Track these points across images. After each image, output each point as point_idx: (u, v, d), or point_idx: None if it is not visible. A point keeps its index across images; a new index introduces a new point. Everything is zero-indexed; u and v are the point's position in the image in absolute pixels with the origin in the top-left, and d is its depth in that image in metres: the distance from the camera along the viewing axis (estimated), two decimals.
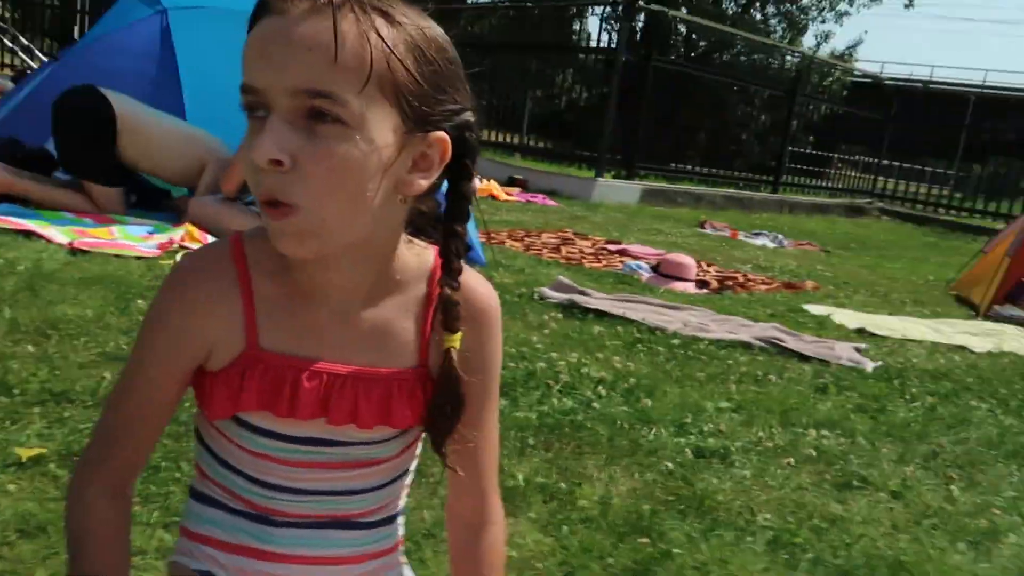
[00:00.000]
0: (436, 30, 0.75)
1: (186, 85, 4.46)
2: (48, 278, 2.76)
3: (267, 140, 0.67)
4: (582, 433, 2.15)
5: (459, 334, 0.81)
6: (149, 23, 4.41)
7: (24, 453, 1.54)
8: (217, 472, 0.85)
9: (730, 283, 4.89)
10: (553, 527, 1.65)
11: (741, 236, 7.69)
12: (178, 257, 0.87)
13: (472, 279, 0.85)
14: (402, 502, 0.94)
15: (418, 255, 0.84)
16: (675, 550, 1.62)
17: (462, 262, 0.83)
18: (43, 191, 3.90)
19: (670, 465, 2.04)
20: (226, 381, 0.79)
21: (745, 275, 5.33)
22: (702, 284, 4.66)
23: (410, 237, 0.84)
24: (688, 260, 4.71)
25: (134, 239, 3.61)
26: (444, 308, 0.81)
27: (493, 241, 4.88)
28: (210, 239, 3.71)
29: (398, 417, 0.82)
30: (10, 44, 9.04)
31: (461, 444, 0.86)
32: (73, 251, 3.23)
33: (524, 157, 10.67)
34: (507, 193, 8.10)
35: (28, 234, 3.37)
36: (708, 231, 7.79)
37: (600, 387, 2.54)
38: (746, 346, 3.35)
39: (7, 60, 12.70)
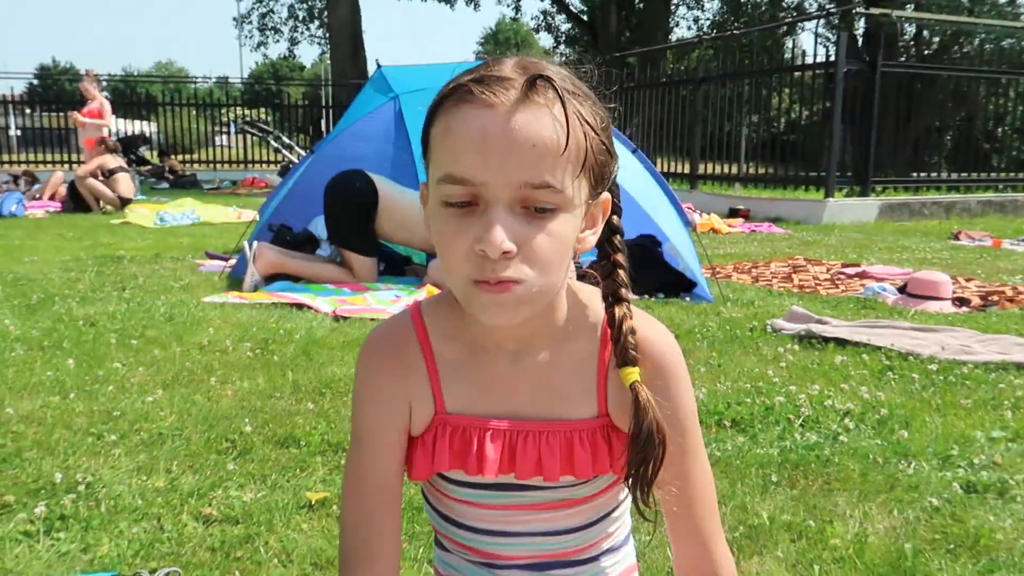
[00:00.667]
0: (597, 99, 0.79)
1: (417, 159, 4.95)
2: (319, 344, 3.18)
3: (500, 233, 0.71)
4: (830, 468, 2.04)
5: (637, 368, 0.81)
6: (384, 110, 4.97)
7: (313, 497, 1.79)
8: (440, 524, 0.95)
9: (996, 298, 4.36)
10: (803, 567, 1.58)
11: (1006, 244, 6.81)
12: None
13: (646, 325, 0.85)
14: (621, 535, 0.97)
15: (588, 300, 0.87)
16: None
17: (632, 307, 0.84)
18: (309, 268, 4.50)
19: (935, 501, 1.87)
20: (422, 445, 0.87)
21: (1015, 287, 4.72)
22: (961, 302, 4.21)
23: (577, 286, 0.87)
24: (941, 276, 4.28)
25: (385, 303, 4.03)
26: (618, 339, 0.81)
27: (718, 276, 4.78)
28: None
29: (581, 468, 0.85)
30: (274, 144, 10.59)
31: (669, 496, 0.86)
32: (336, 318, 3.69)
33: (744, 186, 10.34)
34: (729, 225, 7.89)
35: (299, 307, 3.91)
36: (964, 242, 7.00)
37: (847, 419, 2.39)
38: (1022, 367, 2.96)
39: (273, 157, 14.80)
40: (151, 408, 2.38)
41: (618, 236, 0.87)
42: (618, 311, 0.83)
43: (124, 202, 9.04)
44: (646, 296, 4.12)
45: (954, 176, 10.37)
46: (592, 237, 0.83)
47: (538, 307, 0.78)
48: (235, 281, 4.49)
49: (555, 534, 0.91)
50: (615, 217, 0.86)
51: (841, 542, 1.67)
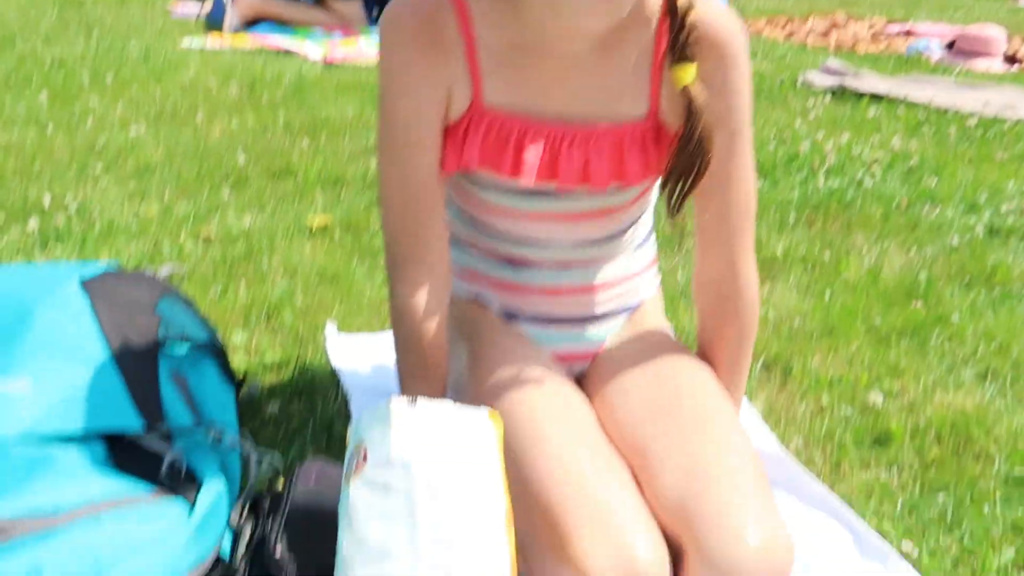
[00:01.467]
0: None
1: None
2: (309, 87, 3.11)
3: None
4: (851, 211, 2.08)
5: (693, 66, 0.77)
6: None
7: (314, 223, 1.85)
8: (463, 228, 0.93)
9: None
10: (814, 293, 1.66)
11: None
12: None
13: (711, 8, 0.79)
14: (644, 231, 0.98)
15: None
16: (953, 315, 1.57)
17: None
18: (295, 11, 4.30)
19: (955, 241, 1.93)
20: (453, 135, 0.82)
21: None
22: (1012, 60, 4.06)
23: None
24: (994, 32, 4.10)
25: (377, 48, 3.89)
26: (678, 32, 0.76)
27: (748, 31, 4.58)
28: None
29: (632, 173, 0.83)
30: None
31: (704, 200, 0.84)
32: (327, 64, 3.58)
33: None
34: None
35: (287, 52, 3.78)
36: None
37: (874, 167, 2.40)
38: None
39: None
40: (136, 142, 2.38)
41: None
42: (681, 1, 0.77)
43: None
44: None
45: None
46: None
47: (630, 5, 0.72)
48: (214, 25, 4.31)
49: (589, 243, 0.91)
50: None
51: (855, 274, 1.75)
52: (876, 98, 3.22)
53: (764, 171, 2.34)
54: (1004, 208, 2.15)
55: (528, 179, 0.81)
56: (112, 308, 1.02)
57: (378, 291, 1.57)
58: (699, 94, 0.78)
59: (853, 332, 1.50)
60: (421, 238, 0.84)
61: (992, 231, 2.01)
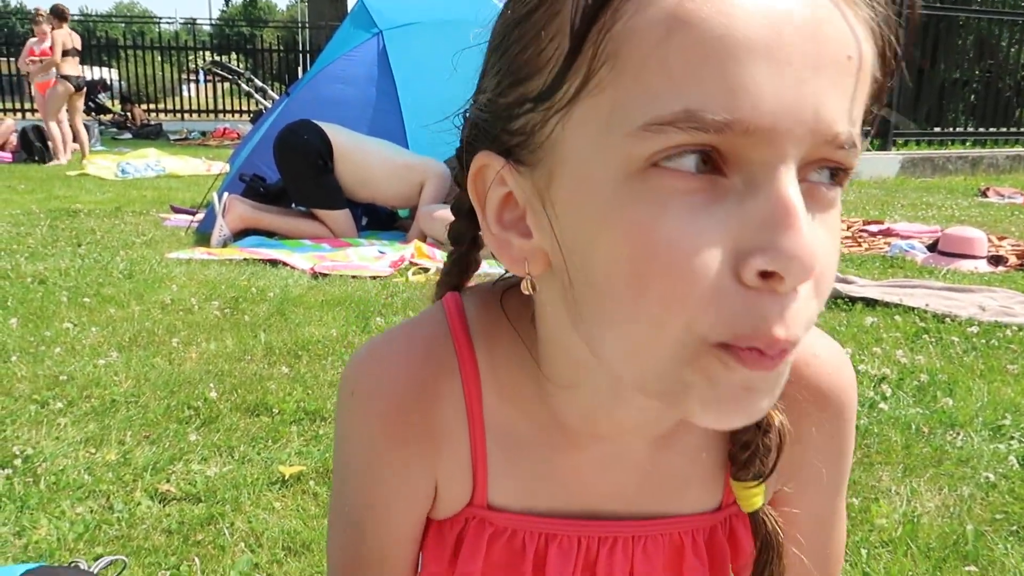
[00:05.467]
0: None
1: (405, 105, 4.75)
2: (295, 302, 3.02)
3: (806, 234, 0.37)
4: (869, 439, 1.92)
5: (761, 488, 0.56)
6: (366, 48, 4.75)
7: (287, 471, 1.66)
8: None
9: None
10: (849, 550, 1.46)
11: None
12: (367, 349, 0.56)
13: (812, 351, 0.57)
14: None
15: None
16: None
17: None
18: (284, 223, 4.33)
19: (991, 476, 1.75)
20: (439, 539, 0.59)
21: None
22: (996, 261, 4.08)
23: None
24: (976, 233, 4.15)
25: (368, 259, 3.88)
26: (740, 446, 0.55)
27: None
28: (438, 254, 3.89)
29: (692, 574, 0.61)
30: (246, 87, 10.26)
31: (807, 553, 0.61)
32: (315, 275, 3.53)
33: None
34: None
35: (274, 263, 3.74)
36: (993, 199, 6.87)
37: (884, 385, 2.27)
38: None
39: (246, 106, 14.49)
40: (104, 372, 2.23)
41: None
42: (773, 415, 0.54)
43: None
44: None
45: (980, 130, 10.22)
46: None
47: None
48: (203, 237, 4.32)
49: None
50: None
51: (888, 522, 1.56)
52: (869, 303, 3.16)
53: None
54: None
55: None
56: None
57: None
58: (770, 521, 0.57)
59: None
60: None
61: None
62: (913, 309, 3.08)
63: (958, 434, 1.98)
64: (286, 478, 1.65)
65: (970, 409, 2.11)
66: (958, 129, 10.36)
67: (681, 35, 0.36)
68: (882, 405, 2.12)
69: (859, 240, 4.80)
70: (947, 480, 1.74)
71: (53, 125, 8.74)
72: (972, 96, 11.68)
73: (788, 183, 0.37)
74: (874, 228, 5.16)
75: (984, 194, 7.11)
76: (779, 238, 0.36)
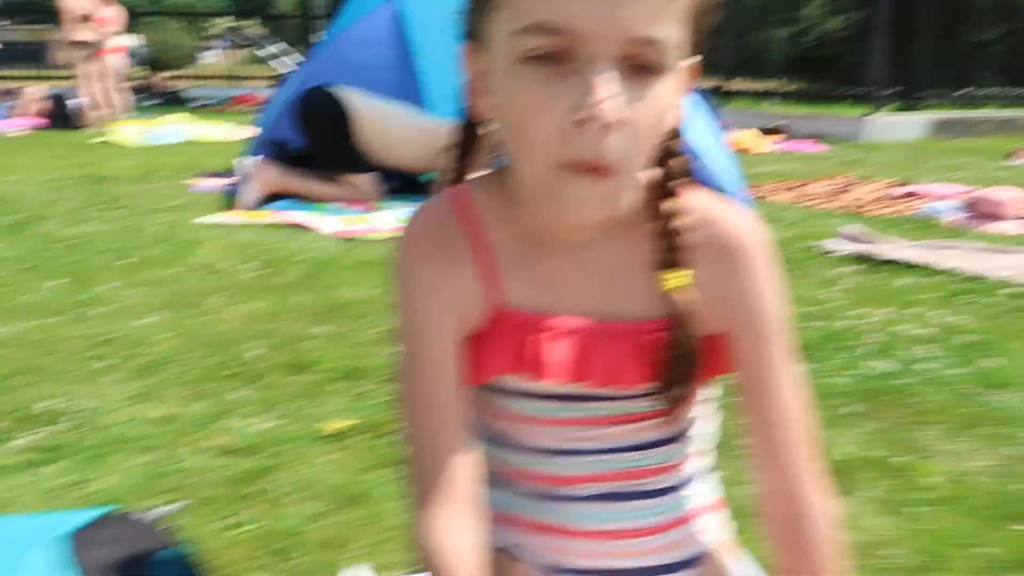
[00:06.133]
0: None
1: (421, 68, 4.69)
2: (328, 264, 3.03)
3: (611, 97, 0.60)
4: (910, 400, 1.90)
5: (683, 273, 0.72)
6: (381, 12, 4.69)
7: (329, 428, 1.67)
8: (489, 453, 0.81)
9: None
10: (890, 508, 1.45)
11: None
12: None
13: (724, 207, 0.75)
14: (708, 461, 0.84)
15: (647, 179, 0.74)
16: None
17: (712, 192, 0.75)
18: (311, 187, 4.32)
19: None
20: (475, 344, 0.75)
21: None
22: None
23: None
24: (1009, 193, 4.08)
25: (387, 223, 3.86)
26: (661, 236, 0.72)
27: (756, 196, 4.59)
28: None
29: (630, 376, 0.74)
30: (261, 53, 10.12)
31: (746, 418, 0.76)
32: (343, 239, 3.53)
33: (779, 101, 10.00)
34: (773, 141, 7.61)
35: (302, 227, 3.74)
36: (1019, 162, 6.74)
37: (922, 347, 2.24)
38: None
39: (261, 72, 14.42)
40: (147, 331, 2.25)
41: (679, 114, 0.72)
42: (665, 205, 0.72)
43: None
44: None
45: (1010, 91, 9.99)
46: (679, 111, 0.70)
47: (629, 199, 0.68)
48: (232, 201, 4.32)
49: (629, 450, 0.79)
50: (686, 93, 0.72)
51: (933, 481, 1.54)
52: (899, 266, 3.12)
53: (806, 352, 2.18)
54: None
55: (557, 379, 0.74)
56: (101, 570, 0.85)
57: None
58: (685, 299, 0.72)
59: (955, 566, 1.28)
60: (449, 465, 0.74)
61: None
62: (946, 271, 3.04)
63: (1001, 394, 1.95)
64: (331, 434, 1.65)
65: (1014, 369, 2.09)
66: (986, 90, 10.14)
67: None
68: (921, 366, 2.09)
69: (885, 203, 4.73)
70: (993, 440, 1.73)
71: (88, 91, 8.75)
72: (1000, 56, 11.41)
73: (597, 70, 0.60)
74: (899, 191, 5.08)
75: (1011, 156, 6.98)
76: (586, 100, 0.60)
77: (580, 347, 0.74)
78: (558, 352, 0.73)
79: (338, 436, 1.65)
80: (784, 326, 0.75)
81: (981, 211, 4.03)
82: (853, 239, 3.48)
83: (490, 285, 0.74)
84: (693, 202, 0.73)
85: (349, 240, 3.51)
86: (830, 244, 3.42)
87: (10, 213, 3.93)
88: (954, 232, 3.85)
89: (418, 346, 0.75)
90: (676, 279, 0.72)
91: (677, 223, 0.71)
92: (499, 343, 0.75)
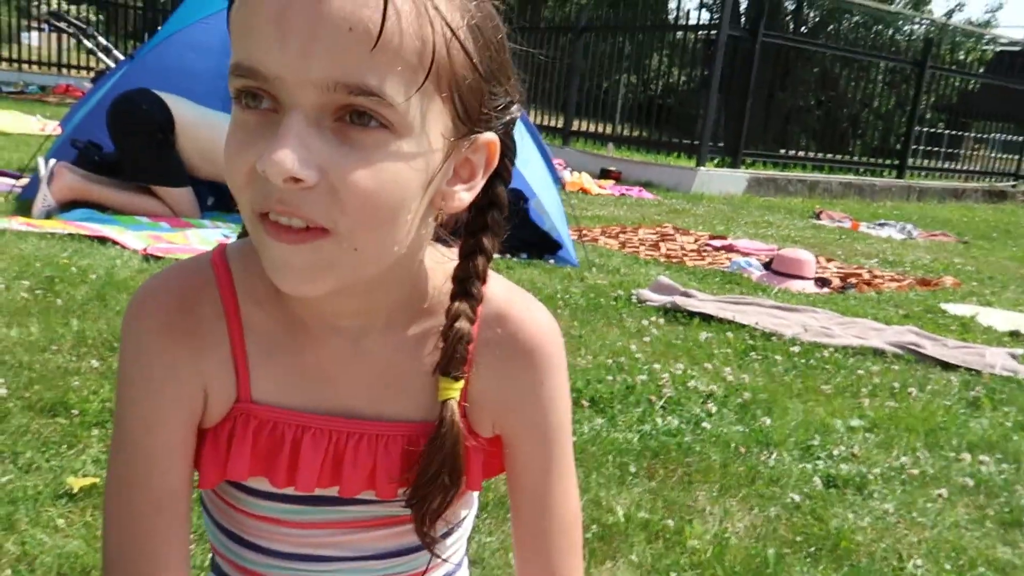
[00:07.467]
0: (487, 1, 0.60)
1: None
2: (119, 287, 2.79)
3: (288, 150, 0.52)
4: (691, 458, 1.97)
5: (459, 383, 0.67)
6: (222, 16, 4.43)
7: (76, 483, 1.50)
8: (222, 545, 0.74)
9: (854, 280, 4.56)
10: (660, 573, 1.48)
11: (863, 227, 7.24)
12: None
13: (521, 305, 0.70)
14: (456, 557, 0.80)
15: (446, 272, 0.69)
16: None
17: (508, 285, 0.71)
18: (119, 197, 3.99)
19: (796, 497, 1.84)
20: (214, 443, 0.67)
21: (871, 271, 4.97)
22: (822, 282, 4.36)
23: (433, 243, 0.70)
24: (806, 255, 4.42)
25: (209, 243, 3.64)
26: (448, 342, 0.65)
27: (585, 239, 4.72)
28: None
29: (385, 486, 0.69)
30: (90, 45, 9.40)
31: (522, 524, 0.73)
32: (147, 257, 3.28)
33: (618, 147, 10.44)
34: (600, 186, 7.92)
35: (103, 240, 3.45)
36: (825, 222, 7.38)
37: (710, 403, 2.35)
38: (878, 353, 3.07)
39: (90, 63, 13.42)
40: None
41: (497, 208, 0.67)
42: (456, 306, 0.66)
43: None
44: (507, 256, 3.98)
45: (819, 156, 10.96)
46: (466, 194, 0.63)
47: (358, 277, 0.59)
48: (24, 205, 3.92)
49: (377, 557, 0.73)
50: (501, 186, 0.67)
51: (700, 543, 1.59)
52: (706, 318, 3.28)
53: (601, 406, 2.23)
54: (835, 452, 2.11)
55: (306, 486, 0.67)
56: None
57: None
58: (454, 413, 0.66)
59: None
60: (151, 568, 0.65)
61: (828, 482, 1.95)
62: (744, 326, 3.23)
63: (772, 453, 2.07)
64: (75, 491, 1.49)
65: (785, 429, 2.22)
66: (800, 153, 11.08)
67: (241, 10, 0.54)
68: (705, 424, 2.19)
69: (703, 254, 5.01)
70: (758, 500, 1.81)
71: None
72: (814, 124, 12.54)
73: (289, 120, 0.53)
74: (718, 243, 5.40)
75: (818, 217, 7.62)
76: (267, 151, 0.53)
77: (334, 453, 0.67)
78: (309, 461, 0.66)
79: (82, 494, 1.49)
80: (569, 431, 0.72)
81: (782, 270, 4.33)
82: (665, 290, 3.63)
83: (240, 374, 0.66)
84: (490, 295, 0.68)
85: (151, 259, 3.26)
86: (645, 293, 3.56)
87: None
88: (759, 288, 4.12)
89: (139, 441, 0.65)
90: (450, 388, 0.66)
91: (464, 326, 0.65)
92: (246, 446, 0.66)
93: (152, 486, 0.65)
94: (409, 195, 0.57)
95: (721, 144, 9.80)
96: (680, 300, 3.44)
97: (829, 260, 5.22)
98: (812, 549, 1.63)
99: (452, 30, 0.55)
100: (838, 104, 12.22)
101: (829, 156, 10.93)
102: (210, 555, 0.80)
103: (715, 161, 9.43)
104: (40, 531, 1.36)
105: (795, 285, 4.21)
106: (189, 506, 0.67)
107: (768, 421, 2.25)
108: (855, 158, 11.61)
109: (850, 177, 10.36)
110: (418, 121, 0.55)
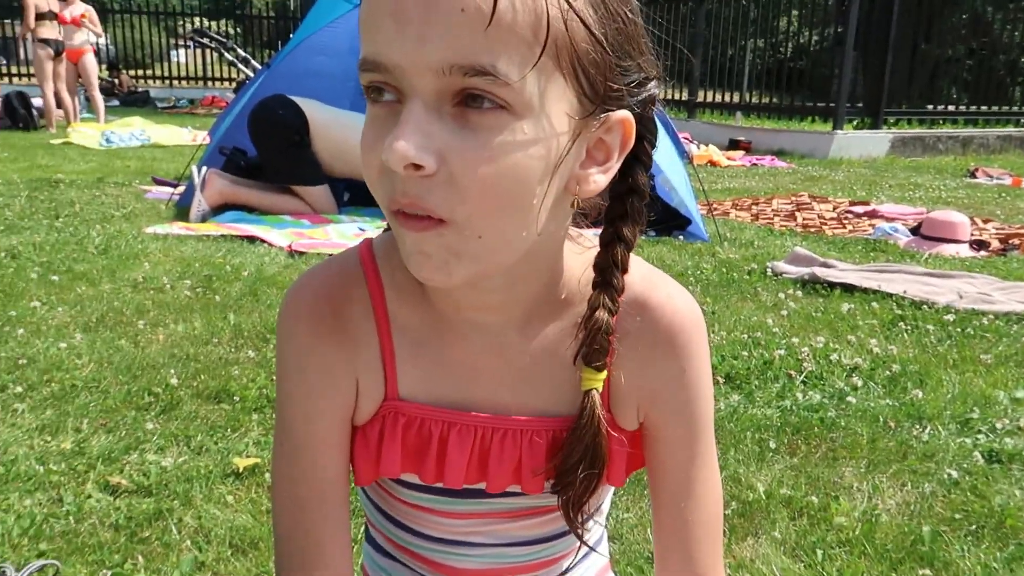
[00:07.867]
0: None
1: None
2: (268, 282, 2.98)
3: (406, 137, 0.52)
4: (835, 433, 1.90)
5: (602, 374, 0.65)
6: (348, 20, 4.64)
7: (241, 463, 1.63)
8: (379, 523, 0.78)
9: (1016, 242, 4.21)
10: (804, 551, 1.45)
11: None
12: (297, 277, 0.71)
13: (662, 290, 0.68)
14: (592, 539, 0.81)
15: (585, 261, 0.66)
16: None
17: (647, 269, 0.68)
18: (263, 198, 4.27)
19: (953, 473, 1.74)
20: (364, 441, 0.69)
21: None
22: (979, 245, 4.06)
23: (575, 234, 0.67)
24: (959, 217, 4.12)
25: (347, 237, 3.83)
26: (589, 336, 0.63)
27: (715, 213, 4.60)
28: None
29: (532, 480, 0.69)
30: (231, 58, 10.04)
31: (663, 509, 0.71)
32: (292, 253, 3.48)
33: (747, 116, 10.07)
34: (728, 158, 7.68)
35: (251, 240, 3.69)
36: (981, 180, 6.84)
37: (855, 376, 2.25)
38: None
39: (232, 74, 14.27)
40: (66, 355, 2.19)
41: (637, 195, 0.64)
42: (597, 296, 0.64)
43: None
44: None
45: (972, 109, 10.14)
46: (601, 176, 0.60)
47: (486, 265, 0.57)
48: (182, 211, 4.26)
49: (522, 544, 0.76)
50: (641, 171, 0.64)
51: (847, 521, 1.54)
52: (848, 289, 3.14)
53: (738, 382, 2.18)
54: (999, 426, 1.98)
55: (454, 482, 0.68)
56: None
57: None
58: (596, 405, 0.65)
59: None
60: (315, 549, 0.69)
61: (991, 457, 1.83)
62: (891, 295, 3.06)
63: (925, 427, 1.96)
64: (241, 470, 1.62)
65: (940, 401, 2.10)
66: (950, 108, 10.29)
67: (364, 5, 0.54)
68: (851, 398, 2.10)
69: (844, 222, 4.77)
70: (910, 476, 1.73)
71: (46, 92, 8.61)
72: (965, 74, 11.59)
73: (408, 106, 0.53)
74: (859, 209, 5.13)
75: (973, 175, 7.08)
76: (389, 141, 0.52)
77: (480, 449, 0.68)
78: (456, 458, 0.68)
79: (247, 472, 1.61)
80: (711, 418, 0.70)
81: (933, 234, 4.06)
82: (802, 261, 3.49)
83: (388, 371, 0.67)
84: (629, 281, 0.66)
85: (296, 255, 3.47)
86: (781, 266, 3.44)
87: None
88: (908, 255, 3.88)
89: (299, 434, 0.68)
90: (593, 379, 0.65)
91: (605, 317, 0.63)
92: (396, 444, 0.68)
93: (314, 478, 0.68)
94: (532, 179, 0.55)
95: (860, 104, 9.24)
96: (819, 271, 3.30)
97: (987, 221, 4.84)
98: (973, 527, 1.54)
99: (568, 2, 0.53)
100: (992, 51, 11.23)
101: (984, 108, 10.09)
102: (363, 527, 0.86)
103: (853, 123, 8.93)
104: (213, 506, 1.49)
105: (947, 249, 3.94)
106: (347, 491, 0.70)
107: (920, 394, 2.13)
108: (1015, 108, 10.65)
109: (1009, 129, 9.54)
110: (536, 99, 0.53)
